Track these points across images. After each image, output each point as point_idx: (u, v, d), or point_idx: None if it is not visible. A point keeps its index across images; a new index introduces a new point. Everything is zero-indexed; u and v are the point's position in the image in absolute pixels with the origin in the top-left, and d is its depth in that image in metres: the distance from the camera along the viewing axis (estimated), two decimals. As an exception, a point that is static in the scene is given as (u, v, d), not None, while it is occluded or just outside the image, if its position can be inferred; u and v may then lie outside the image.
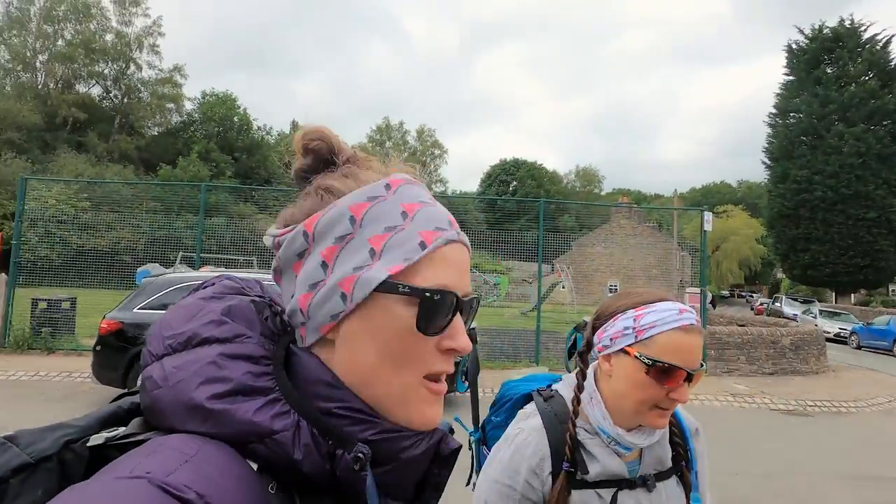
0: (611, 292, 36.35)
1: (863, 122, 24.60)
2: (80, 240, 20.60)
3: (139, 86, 42.10)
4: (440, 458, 0.47)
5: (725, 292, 50.06)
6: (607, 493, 0.90)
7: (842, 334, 17.08)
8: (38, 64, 38.16)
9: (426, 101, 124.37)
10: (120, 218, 23.46)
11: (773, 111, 28.24)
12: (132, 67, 41.20)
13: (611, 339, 0.92)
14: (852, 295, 27.65)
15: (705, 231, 9.42)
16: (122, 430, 0.41)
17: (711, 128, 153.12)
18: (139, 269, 17.33)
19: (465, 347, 0.46)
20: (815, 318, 18.79)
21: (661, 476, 0.95)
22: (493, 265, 28.97)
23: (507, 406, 1.11)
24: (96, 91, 41.32)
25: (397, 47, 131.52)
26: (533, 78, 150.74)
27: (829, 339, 17.11)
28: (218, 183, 31.80)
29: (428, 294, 0.44)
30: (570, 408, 0.94)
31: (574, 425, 0.91)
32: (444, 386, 0.47)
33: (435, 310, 0.44)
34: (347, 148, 0.51)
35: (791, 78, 27.56)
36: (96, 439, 0.40)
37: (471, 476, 1.27)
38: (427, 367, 0.46)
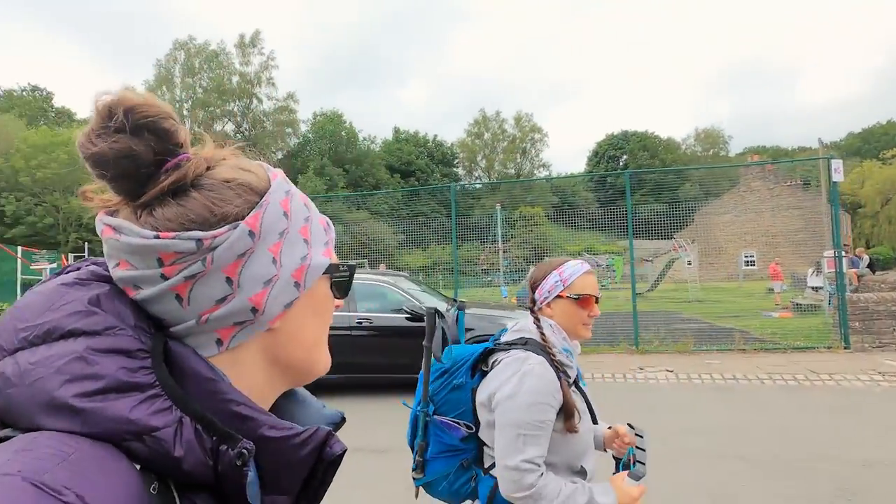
0: (747, 265, 32.34)
1: None
2: None
3: (262, 117, 47.53)
4: (326, 459, 0.46)
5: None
6: (576, 387, 1.40)
7: None
8: (184, 111, 45.01)
9: (529, 83, 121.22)
10: None
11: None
12: (255, 101, 46.66)
13: (548, 292, 1.41)
14: None
15: (834, 183, 7.95)
16: None
17: (873, 60, 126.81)
18: None
19: (340, 303, 0.55)
20: None
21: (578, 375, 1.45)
22: (607, 246, 27.46)
23: (467, 366, 1.39)
24: (229, 127, 47.47)
25: (493, 35, 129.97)
26: (643, 39, 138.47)
27: None
28: (331, 195, 34.67)
29: (344, 268, 0.53)
30: (543, 342, 1.34)
31: (553, 350, 1.33)
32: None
33: (345, 280, 0.53)
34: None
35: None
36: None
37: (423, 445, 1.44)
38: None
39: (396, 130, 56.20)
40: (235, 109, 46.61)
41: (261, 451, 0.43)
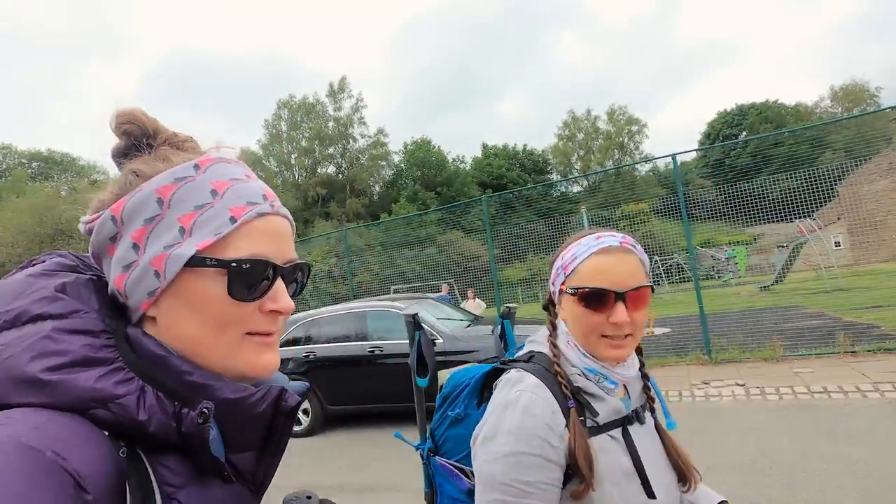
0: (922, 238, 26.19)
1: None
2: (334, 288, 25.73)
3: (357, 154, 50.81)
4: (282, 412, 0.50)
5: None
6: (617, 433, 0.88)
7: None
8: (292, 161, 49.90)
9: (632, 74, 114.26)
10: (360, 265, 28.45)
11: None
12: (350, 142, 50.12)
13: (552, 284, 0.96)
14: None
15: None
16: None
17: None
18: None
19: (287, 307, 0.50)
20: None
21: (643, 407, 0.96)
22: (731, 236, 24.21)
23: (466, 393, 1.03)
24: (330, 169, 51.55)
25: (587, 32, 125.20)
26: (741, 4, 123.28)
27: None
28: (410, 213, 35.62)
29: (234, 264, 0.47)
30: (553, 356, 0.92)
31: (561, 368, 0.89)
32: (268, 338, 0.51)
33: (246, 278, 0.48)
34: (166, 130, 0.52)
35: None
36: None
37: (428, 494, 1.14)
38: (249, 328, 0.49)
39: (485, 146, 56.39)
40: (334, 152, 50.40)
41: (221, 413, 0.46)
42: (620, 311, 0.84)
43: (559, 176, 59.05)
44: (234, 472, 0.49)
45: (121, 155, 0.51)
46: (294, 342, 6.25)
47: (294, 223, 0.55)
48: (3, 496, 0.32)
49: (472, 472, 0.94)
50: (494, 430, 0.85)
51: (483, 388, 1.00)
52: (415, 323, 1.32)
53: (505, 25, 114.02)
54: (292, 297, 0.52)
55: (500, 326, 1.25)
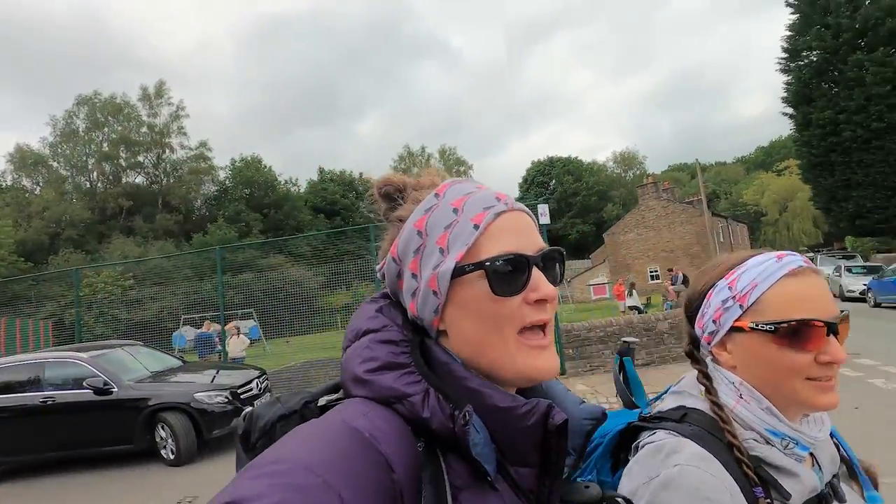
0: (653, 279, 34.19)
1: (882, 44, 21.61)
2: (128, 314, 23.00)
3: (177, 167, 46.35)
4: (551, 430, 0.52)
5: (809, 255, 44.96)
6: None
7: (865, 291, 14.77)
8: (89, 165, 43.33)
9: (484, 113, 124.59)
10: (162, 289, 25.85)
11: (784, 55, 25.58)
12: (166, 151, 45.56)
13: (714, 322, 0.75)
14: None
15: (542, 225, 8.53)
16: (335, 395, 0.57)
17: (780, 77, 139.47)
18: (174, 333, 18.92)
19: (549, 294, 0.54)
20: (839, 276, 16.54)
21: (837, 477, 0.75)
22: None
23: (598, 455, 0.80)
24: (140, 180, 46.03)
25: (449, 67, 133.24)
26: (590, 63, 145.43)
27: (853, 299, 15.06)
28: (238, 244, 34.02)
29: (488, 263, 0.52)
30: (715, 414, 0.71)
31: (735, 436, 0.68)
32: (542, 340, 0.55)
33: (503, 273, 0.53)
34: (411, 180, 0.63)
35: (795, 16, 24.91)
36: (321, 401, 0.56)
37: None
38: (522, 321, 0.53)
39: (321, 170, 56.29)
40: (145, 161, 45.33)
41: (491, 419, 0.52)
42: (835, 346, 0.68)
43: (393, 206, 61.51)
44: (514, 486, 0.52)
45: (388, 212, 0.62)
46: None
47: (533, 215, 0.59)
48: (332, 451, 0.43)
49: None
50: None
51: (618, 449, 0.79)
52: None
53: (367, 47, 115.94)
54: (554, 284, 0.56)
55: (617, 366, 0.98)
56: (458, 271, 0.52)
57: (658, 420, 0.74)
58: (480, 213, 0.54)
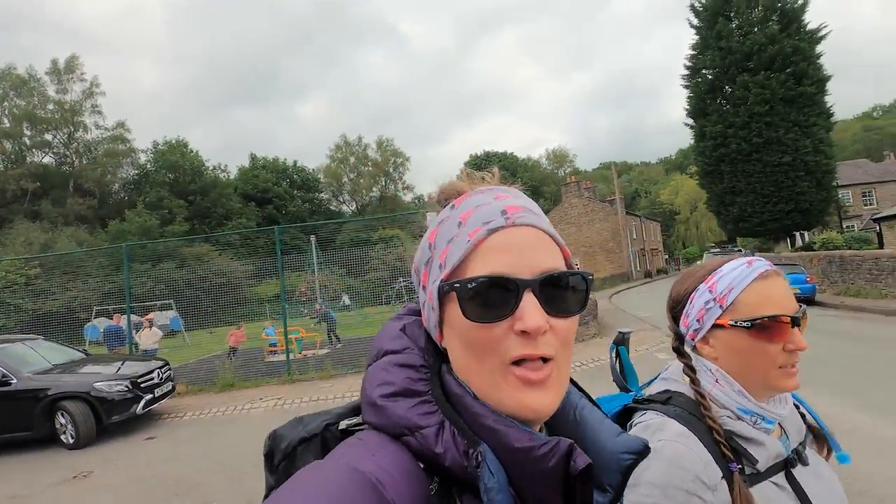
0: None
1: (765, 68, 24.56)
2: (34, 304, 21.60)
3: (91, 148, 43.27)
4: (573, 473, 0.46)
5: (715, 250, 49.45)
6: (780, 479, 0.81)
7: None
8: (-14, 142, 39.48)
9: (431, 101, 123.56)
10: (73, 278, 24.36)
11: (686, 72, 28.28)
12: (79, 130, 42.47)
13: (698, 321, 0.88)
14: (789, 241, 27.54)
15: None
16: (356, 419, 0.53)
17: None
18: (86, 325, 18.13)
19: (532, 326, 0.45)
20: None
21: (803, 445, 0.88)
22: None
23: None
24: (48, 160, 42.55)
25: (396, 53, 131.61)
26: (535, 59, 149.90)
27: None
28: (150, 240, 32.62)
29: (458, 285, 0.47)
30: (697, 397, 0.84)
31: (714, 419, 0.81)
32: (535, 373, 0.47)
33: (474, 296, 0.46)
34: (464, 187, 0.57)
35: (697, 38, 27.59)
36: (342, 424, 0.53)
37: None
38: (505, 352, 0.47)
39: (253, 157, 54.58)
40: (55, 140, 42.03)
41: (508, 460, 0.46)
42: (798, 337, 0.80)
43: (329, 195, 61.10)
44: None
45: None
46: None
47: (552, 231, 0.51)
48: (322, 494, 0.39)
49: None
50: (636, 479, 0.76)
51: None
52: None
53: (311, 24, 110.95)
54: (561, 314, 0.47)
55: (616, 352, 1.07)
56: (443, 289, 0.49)
57: (648, 402, 0.88)
58: (477, 228, 0.49)
